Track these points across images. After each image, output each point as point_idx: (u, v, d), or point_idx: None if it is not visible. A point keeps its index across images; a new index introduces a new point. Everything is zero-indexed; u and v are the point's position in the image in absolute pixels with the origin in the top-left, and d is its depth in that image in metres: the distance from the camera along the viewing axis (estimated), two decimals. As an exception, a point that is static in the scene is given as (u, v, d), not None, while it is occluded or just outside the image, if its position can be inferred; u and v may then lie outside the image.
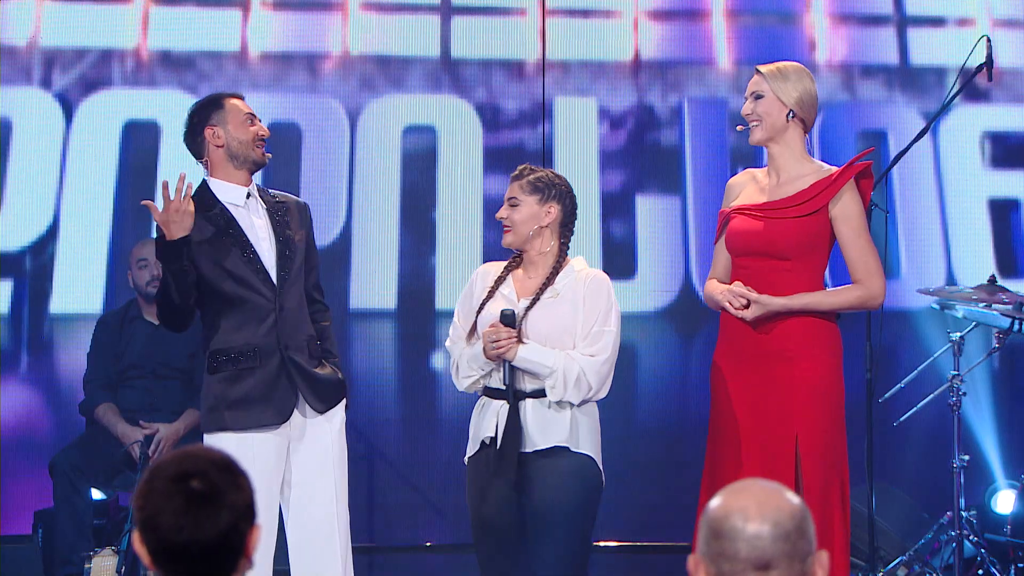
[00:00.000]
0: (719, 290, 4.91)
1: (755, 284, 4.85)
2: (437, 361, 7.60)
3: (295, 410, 5.03)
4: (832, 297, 4.92)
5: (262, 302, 5.01)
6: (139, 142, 7.49)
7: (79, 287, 7.40)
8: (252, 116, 5.09)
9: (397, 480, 7.47)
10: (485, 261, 6.87)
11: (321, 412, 5.05)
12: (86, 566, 6.00)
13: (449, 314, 7.44)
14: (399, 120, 7.65)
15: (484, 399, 4.98)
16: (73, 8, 7.50)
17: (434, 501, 7.45)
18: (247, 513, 2.61)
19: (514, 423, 4.85)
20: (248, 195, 5.07)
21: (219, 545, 2.58)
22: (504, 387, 4.87)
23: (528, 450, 4.86)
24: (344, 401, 5.14)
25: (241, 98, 5.16)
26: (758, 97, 4.95)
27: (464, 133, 7.66)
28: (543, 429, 4.86)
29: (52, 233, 7.42)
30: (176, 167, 7.33)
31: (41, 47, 7.48)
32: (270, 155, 5.11)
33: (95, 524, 6.49)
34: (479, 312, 4.98)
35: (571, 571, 4.86)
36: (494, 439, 4.88)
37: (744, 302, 4.82)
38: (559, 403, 4.86)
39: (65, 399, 7.19)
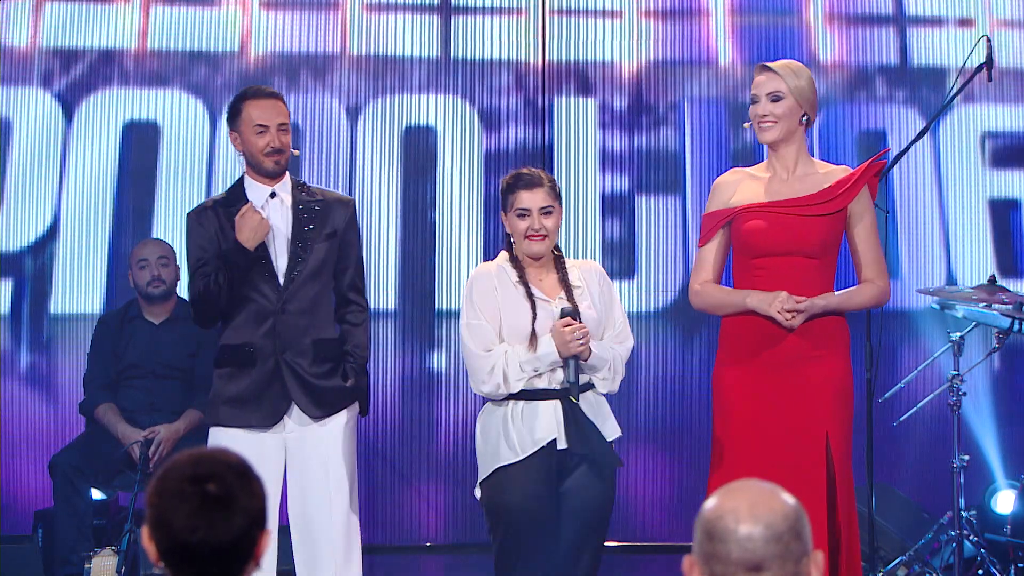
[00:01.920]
0: (759, 299, 4.78)
1: (781, 284, 4.79)
2: (437, 361, 7.59)
3: (292, 413, 5.03)
4: (856, 297, 4.91)
5: (264, 303, 5.04)
6: (139, 142, 7.47)
7: (79, 287, 7.40)
8: (262, 126, 5.07)
9: (397, 480, 7.47)
10: (485, 260, 6.85)
11: (315, 418, 5.03)
12: (86, 566, 5.99)
13: (449, 314, 7.49)
14: (399, 120, 7.64)
15: (513, 403, 4.87)
16: (73, 8, 7.49)
17: (434, 501, 7.45)
18: (259, 518, 2.62)
19: (580, 420, 4.84)
20: (272, 195, 5.09)
21: (230, 549, 2.59)
22: (569, 384, 4.84)
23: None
24: (350, 407, 5.12)
25: (267, 96, 5.12)
26: (777, 99, 4.85)
27: (464, 133, 7.65)
28: (602, 424, 4.90)
29: (52, 233, 7.41)
30: (176, 167, 7.41)
31: (41, 47, 7.47)
32: (282, 167, 5.13)
33: (95, 524, 6.49)
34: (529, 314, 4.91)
35: (597, 572, 4.92)
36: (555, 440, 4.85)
37: (794, 313, 4.76)
38: (605, 395, 4.94)
39: (65, 399, 7.18)
